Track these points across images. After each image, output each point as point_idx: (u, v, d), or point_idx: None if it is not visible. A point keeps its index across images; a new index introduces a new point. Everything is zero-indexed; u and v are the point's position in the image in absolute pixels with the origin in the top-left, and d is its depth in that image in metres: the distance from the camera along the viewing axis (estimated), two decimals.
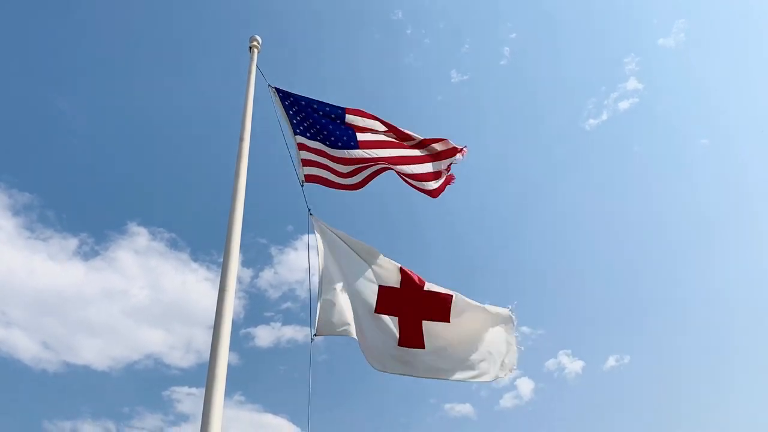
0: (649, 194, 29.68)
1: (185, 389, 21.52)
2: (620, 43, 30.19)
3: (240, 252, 4.66)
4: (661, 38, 28.44)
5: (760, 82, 28.77)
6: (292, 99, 6.56)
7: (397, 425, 21.92)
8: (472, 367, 5.81)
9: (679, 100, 30.22)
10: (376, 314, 5.84)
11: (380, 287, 5.93)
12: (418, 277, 6.01)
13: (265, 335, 23.96)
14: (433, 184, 6.44)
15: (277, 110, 6.58)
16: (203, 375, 3.96)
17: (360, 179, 6.53)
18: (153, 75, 26.98)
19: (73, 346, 22.14)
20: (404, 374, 5.78)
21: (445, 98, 29.21)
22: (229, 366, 4.08)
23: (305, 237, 5.96)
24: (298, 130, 6.54)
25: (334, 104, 6.51)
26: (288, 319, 23.97)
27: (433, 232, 28.05)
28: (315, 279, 5.78)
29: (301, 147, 6.50)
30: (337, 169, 6.50)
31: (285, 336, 23.70)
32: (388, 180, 6.61)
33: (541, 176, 29.89)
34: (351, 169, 6.47)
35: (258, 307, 24.85)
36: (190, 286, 24.60)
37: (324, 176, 6.53)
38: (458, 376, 5.77)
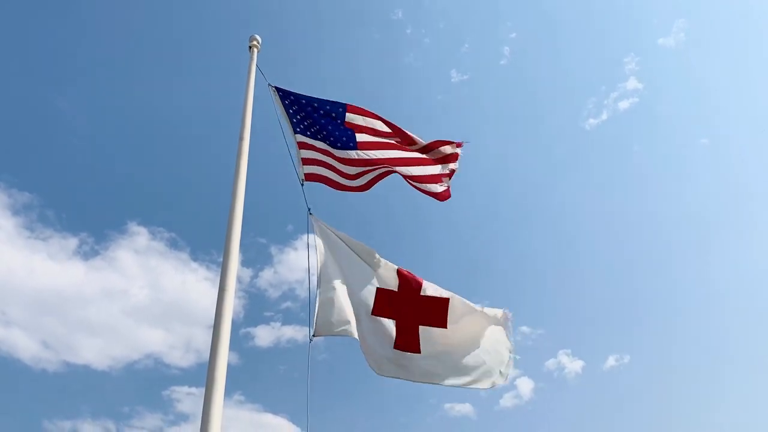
0: (649, 194, 29.70)
1: (185, 389, 21.55)
2: (620, 43, 30.22)
3: (240, 251, 4.66)
4: (661, 38, 28.47)
5: (760, 82, 28.80)
6: (292, 98, 6.54)
7: (397, 425, 21.93)
8: (468, 374, 5.78)
9: (679, 99, 30.27)
10: (373, 316, 5.83)
11: (378, 289, 5.92)
12: (415, 279, 5.99)
13: (264, 335, 24.00)
14: (439, 187, 6.40)
15: (277, 109, 6.57)
16: (203, 374, 3.96)
17: (365, 181, 6.50)
18: (153, 74, 27.00)
19: (73, 346, 22.17)
20: (399, 378, 5.75)
21: (445, 98, 29.25)
22: (228, 366, 4.07)
23: (305, 237, 5.96)
24: (298, 129, 6.52)
25: (335, 101, 6.48)
26: (288, 318, 24.00)
27: (432, 232, 28.08)
28: (315, 279, 5.76)
29: (301, 146, 6.48)
30: (343, 170, 6.47)
31: (285, 336, 23.73)
32: (388, 179, 6.59)
33: (541, 176, 29.92)
34: (357, 172, 6.44)
35: (258, 306, 24.88)
36: (190, 285, 24.63)
37: (327, 176, 6.50)
38: (454, 381, 5.76)
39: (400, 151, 6.48)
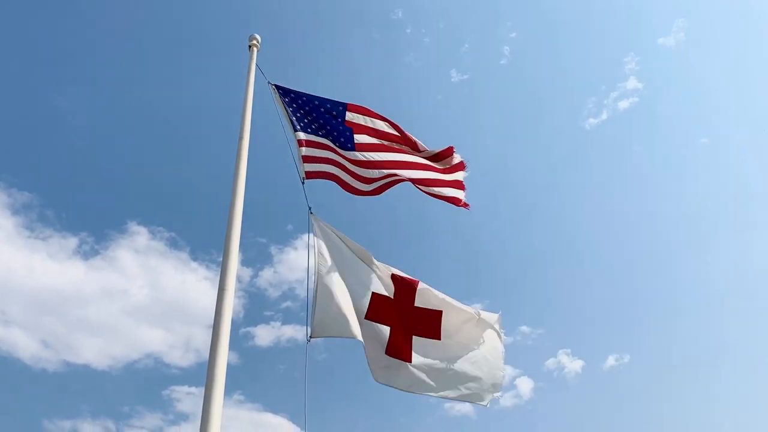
0: (649, 194, 29.70)
1: (185, 388, 21.53)
2: (620, 43, 30.21)
3: (240, 251, 4.65)
4: (661, 37, 28.47)
5: (760, 81, 28.80)
6: (292, 95, 6.51)
7: (397, 425, 21.90)
8: (459, 387, 5.76)
9: (678, 99, 30.26)
10: (366, 320, 5.80)
11: (373, 294, 5.90)
12: (409, 283, 5.97)
13: (264, 334, 23.98)
14: (451, 191, 6.35)
15: (277, 107, 6.53)
16: (203, 374, 3.94)
17: (376, 186, 6.43)
18: (153, 74, 26.99)
19: (73, 345, 22.16)
20: (392, 386, 5.71)
21: (444, 98, 29.23)
22: (228, 365, 4.06)
23: (305, 236, 5.93)
24: (298, 126, 6.46)
25: (335, 100, 6.45)
26: (288, 318, 23.99)
27: (432, 232, 28.07)
28: (314, 279, 5.74)
29: (302, 143, 6.41)
30: (357, 173, 6.39)
31: (285, 335, 23.71)
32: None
33: (541, 176, 29.92)
34: (371, 176, 6.34)
35: (258, 306, 24.87)
36: (190, 285, 24.61)
37: (337, 174, 6.43)
38: (445, 393, 5.74)
39: (402, 155, 6.42)
